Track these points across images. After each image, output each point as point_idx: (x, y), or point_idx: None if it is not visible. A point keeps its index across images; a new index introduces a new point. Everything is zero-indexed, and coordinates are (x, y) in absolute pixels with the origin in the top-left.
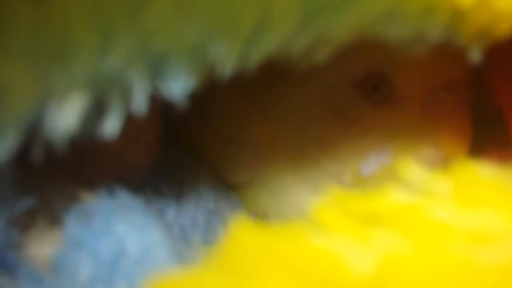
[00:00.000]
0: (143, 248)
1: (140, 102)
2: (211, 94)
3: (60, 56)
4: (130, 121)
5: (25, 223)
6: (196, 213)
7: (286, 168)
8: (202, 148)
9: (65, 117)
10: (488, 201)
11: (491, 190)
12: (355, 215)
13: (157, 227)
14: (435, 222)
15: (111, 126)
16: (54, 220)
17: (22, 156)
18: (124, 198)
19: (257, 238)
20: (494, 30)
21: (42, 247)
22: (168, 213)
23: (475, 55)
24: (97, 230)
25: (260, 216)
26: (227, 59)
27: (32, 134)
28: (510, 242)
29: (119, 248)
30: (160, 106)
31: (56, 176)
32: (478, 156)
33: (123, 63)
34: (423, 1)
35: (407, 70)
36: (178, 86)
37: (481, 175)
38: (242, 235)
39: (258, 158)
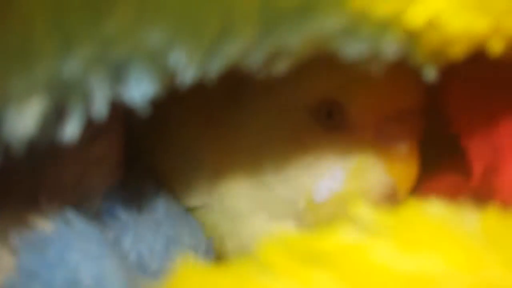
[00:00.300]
0: (96, 279)
1: (100, 108)
2: (168, 113)
3: (20, 59)
4: (92, 144)
5: None
6: (154, 240)
7: (241, 193)
8: (160, 170)
9: (24, 121)
10: (430, 244)
11: (434, 232)
12: (299, 255)
13: (112, 257)
14: (375, 265)
15: (70, 132)
16: (7, 248)
17: None
18: (80, 226)
19: (203, 278)
20: (447, 53)
21: None
22: (125, 240)
23: (430, 75)
24: (50, 260)
25: (218, 240)
26: (188, 67)
27: None
28: (447, 286)
29: (72, 279)
30: (123, 127)
31: (12, 201)
32: (433, 182)
33: (83, 68)
34: (379, 18)
35: (360, 100)
36: (140, 92)
37: (427, 215)
38: (188, 275)
39: (214, 181)
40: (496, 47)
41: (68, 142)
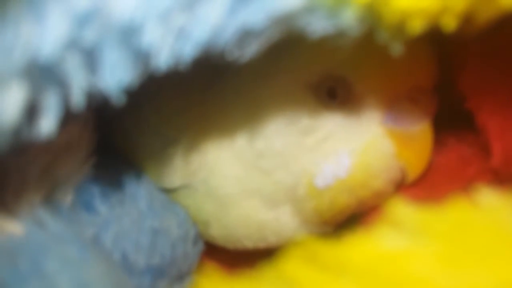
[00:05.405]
0: None
1: (77, 98)
2: (141, 97)
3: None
4: (59, 131)
5: None
6: (138, 235)
7: (230, 175)
8: (135, 155)
9: (7, 110)
10: (481, 253)
11: (487, 238)
12: (324, 265)
13: (95, 260)
14: (412, 278)
15: (46, 127)
16: None
17: None
18: (55, 228)
19: None
20: (406, 29)
21: None
22: (106, 237)
23: (396, 50)
24: (23, 269)
25: (202, 224)
26: (160, 49)
27: None
28: None
29: None
30: (92, 112)
31: None
32: (441, 156)
33: (58, 52)
34: None
35: (368, 75)
36: (115, 79)
37: (478, 216)
38: (209, 285)
39: (196, 162)
40: (448, 24)
41: (44, 138)
